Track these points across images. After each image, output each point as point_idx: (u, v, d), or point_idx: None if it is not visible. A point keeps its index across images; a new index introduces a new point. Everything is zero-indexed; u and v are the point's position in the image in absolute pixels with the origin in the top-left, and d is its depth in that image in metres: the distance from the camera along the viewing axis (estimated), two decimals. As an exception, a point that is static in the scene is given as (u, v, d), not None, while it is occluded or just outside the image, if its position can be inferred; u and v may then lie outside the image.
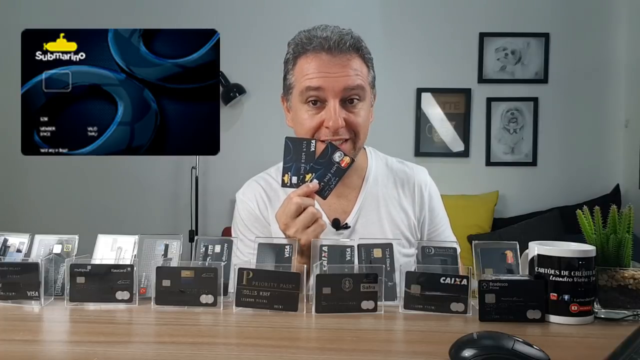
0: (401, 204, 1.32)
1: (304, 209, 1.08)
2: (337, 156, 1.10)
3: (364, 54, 1.23)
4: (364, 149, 1.38)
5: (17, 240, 1.09)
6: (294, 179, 1.11)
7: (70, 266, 1.01)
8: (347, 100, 1.20)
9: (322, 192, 1.10)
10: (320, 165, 1.10)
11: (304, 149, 1.11)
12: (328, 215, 1.28)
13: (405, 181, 1.35)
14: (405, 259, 1.24)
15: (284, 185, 1.12)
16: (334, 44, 1.18)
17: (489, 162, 3.39)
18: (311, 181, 1.10)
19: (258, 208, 1.31)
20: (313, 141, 1.12)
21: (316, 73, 1.18)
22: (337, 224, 1.28)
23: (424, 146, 3.38)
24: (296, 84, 1.23)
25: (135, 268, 1.01)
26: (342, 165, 1.10)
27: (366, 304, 0.96)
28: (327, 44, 1.18)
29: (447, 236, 1.36)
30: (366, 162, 1.35)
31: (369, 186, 1.32)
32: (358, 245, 1.06)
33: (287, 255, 1.06)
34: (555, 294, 0.92)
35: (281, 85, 1.30)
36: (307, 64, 1.20)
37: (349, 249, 1.06)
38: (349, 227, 1.28)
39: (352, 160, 1.10)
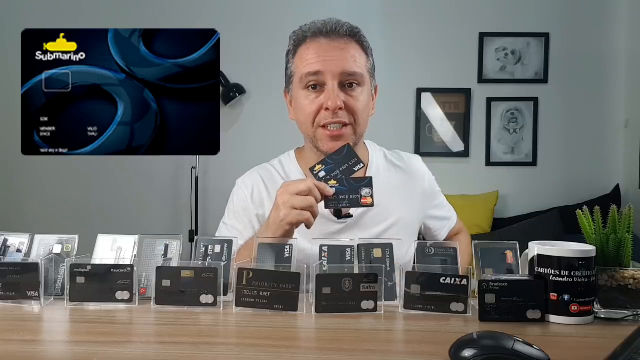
0: (404, 195, 1.34)
1: (307, 195, 1.09)
2: (365, 191, 1.11)
3: (362, 41, 1.26)
4: (364, 143, 1.39)
5: (17, 240, 1.09)
6: (322, 174, 1.14)
7: (70, 266, 1.00)
8: (346, 84, 1.22)
9: (329, 202, 1.12)
10: (348, 184, 1.12)
11: (349, 163, 1.14)
12: None
13: (406, 172, 1.38)
14: (408, 257, 1.25)
15: (311, 169, 1.15)
16: (331, 28, 1.22)
17: (489, 162, 3.39)
18: (332, 187, 1.11)
19: (251, 198, 1.32)
20: (361, 164, 1.15)
21: (315, 58, 1.22)
22: (339, 213, 1.28)
23: (424, 146, 3.37)
24: (296, 71, 1.26)
25: (135, 268, 1.01)
26: (362, 201, 1.11)
27: (366, 304, 0.96)
28: (325, 28, 1.23)
29: (446, 211, 1.45)
30: (367, 156, 1.37)
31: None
32: (358, 245, 1.06)
33: (287, 255, 1.06)
34: (555, 294, 0.92)
35: (283, 81, 1.32)
36: (306, 50, 1.24)
37: (349, 249, 1.06)
38: (351, 216, 1.28)
39: (372, 205, 1.11)
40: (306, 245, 1.14)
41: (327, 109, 1.21)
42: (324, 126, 1.23)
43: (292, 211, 1.08)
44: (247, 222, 1.32)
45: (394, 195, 1.32)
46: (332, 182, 1.12)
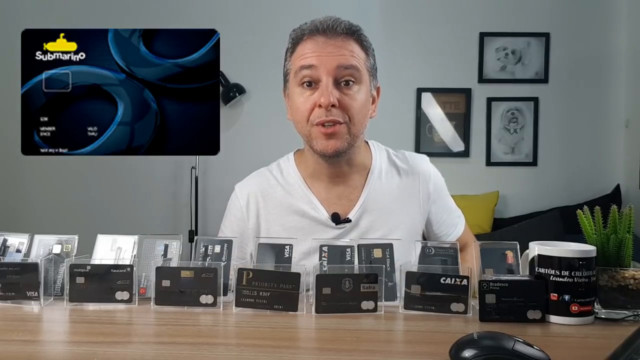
0: (406, 199, 1.31)
1: None
2: None
3: (362, 40, 1.23)
4: (367, 143, 1.36)
5: (16, 240, 1.09)
6: None
7: (69, 266, 1.00)
8: (342, 82, 1.20)
9: None
10: None
11: None
12: (329, 212, 1.27)
13: (409, 174, 1.33)
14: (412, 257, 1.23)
15: None
16: (329, 26, 1.20)
17: (489, 162, 3.39)
18: None
19: (246, 208, 1.31)
20: None
21: (311, 53, 1.20)
22: (337, 219, 1.26)
23: (424, 146, 3.37)
24: (292, 67, 1.24)
25: (134, 268, 1.01)
26: None
27: (366, 304, 0.96)
28: (322, 26, 1.21)
29: (458, 230, 1.39)
30: (370, 160, 1.33)
31: (373, 183, 1.30)
32: (358, 246, 1.06)
33: (287, 255, 1.06)
34: (556, 294, 0.92)
35: (282, 80, 1.30)
36: (303, 47, 1.22)
37: (349, 249, 1.06)
38: (350, 220, 1.26)
39: None
40: None
41: (320, 105, 1.18)
42: (318, 124, 1.20)
43: None
44: (241, 233, 1.30)
45: (394, 199, 1.29)
46: None
